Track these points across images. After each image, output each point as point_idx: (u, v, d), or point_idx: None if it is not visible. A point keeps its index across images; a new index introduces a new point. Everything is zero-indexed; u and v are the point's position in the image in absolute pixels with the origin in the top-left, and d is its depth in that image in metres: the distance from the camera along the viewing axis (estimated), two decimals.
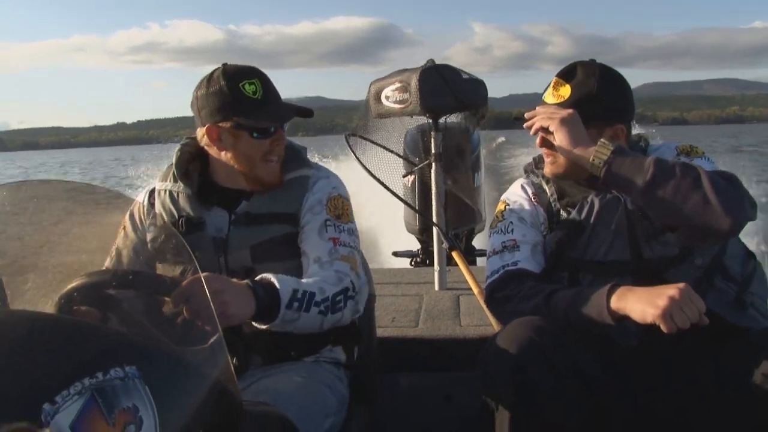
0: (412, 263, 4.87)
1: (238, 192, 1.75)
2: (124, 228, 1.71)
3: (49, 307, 1.12)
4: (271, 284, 1.45)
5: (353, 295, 1.64)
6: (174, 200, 1.76)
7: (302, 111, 1.77)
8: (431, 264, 4.28)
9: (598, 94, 1.68)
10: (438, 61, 3.16)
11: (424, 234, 4.52)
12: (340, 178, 1.86)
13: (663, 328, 1.37)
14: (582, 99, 1.68)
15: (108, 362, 0.81)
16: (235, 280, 1.41)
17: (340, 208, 1.78)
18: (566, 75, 1.73)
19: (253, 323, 1.44)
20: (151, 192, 1.81)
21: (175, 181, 1.77)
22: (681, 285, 1.41)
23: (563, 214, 1.74)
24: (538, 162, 1.89)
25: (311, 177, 1.80)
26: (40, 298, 1.12)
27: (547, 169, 1.79)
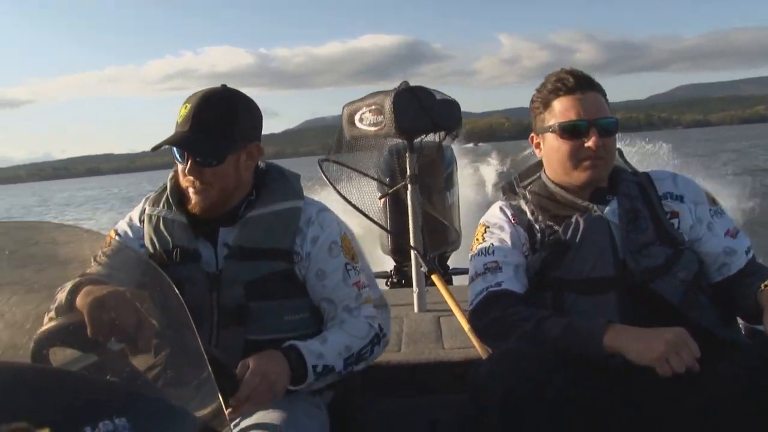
0: (387, 284, 4.84)
1: (210, 221, 1.69)
2: (111, 239, 1.59)
3: (22, 352, 1.07)
4: (297, 350, 1.54)
5: (381, 337, 1.73)
6: (167, 228, 1.69)
7: (189, 145, 1.61)
8: (406, 284, 4.26)
9: None
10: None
11: (398, 255, 4.50)
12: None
13: (659, 371, 1.39)
14: None
15: (97, 415, 0.77)
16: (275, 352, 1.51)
17: (351, 248, 1.77)
18: None
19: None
20: (141, 213, 1.75)
21: (170, 208, 1.71)
22: (677, 329, 1.44)
23: (546, 232, 1.74)
24: (519, 183, 1.89)
25: (303, 210, 1.74)
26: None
27: (594, 175, 1.72)
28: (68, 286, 1.27)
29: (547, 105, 1.76)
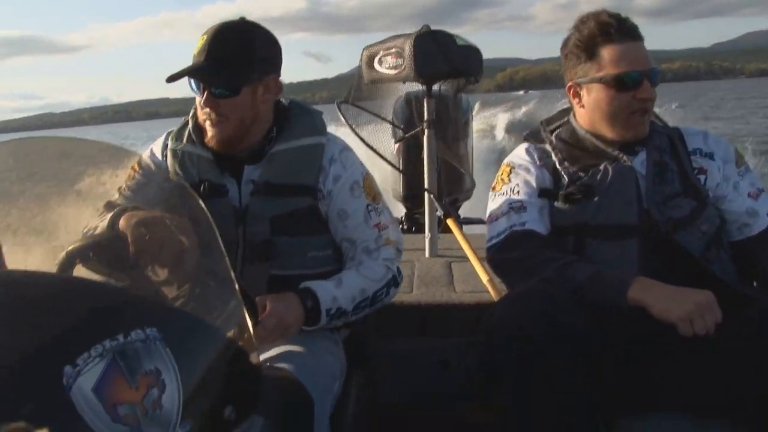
0: None
1: (232, 157, 1.68)
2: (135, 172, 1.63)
3: (50, 264, 1.08)
4: (313, 294, 1.57)
5: (397, 281, 1.77)
6: (193, 163, 1.69)
7: (201, 72, 1.61)
8: (417, 231, 4.28)
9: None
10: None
11: (410, 201, 4.51)
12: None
13: (681, 330, 1.41)
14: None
15: (129, 324, 0.79)
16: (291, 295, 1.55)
17: (374, 188, 1.78)
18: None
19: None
20: (164, 148, 1.75)
21: (193, 143, 1.70)
22: (706, 292, 1.44)
23: (573, 177, 1.73)
24: (546, 127, 1.88)
25: (326, 146, 1.73)
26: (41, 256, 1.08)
27: (640, 128, 1.71)
28: (107, 213, 1.27)
29: (591, 53, 1.69)
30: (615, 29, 1.65)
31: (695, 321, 1.40)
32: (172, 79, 1.61)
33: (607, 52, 1.66)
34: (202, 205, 1.00)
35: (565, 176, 1.74)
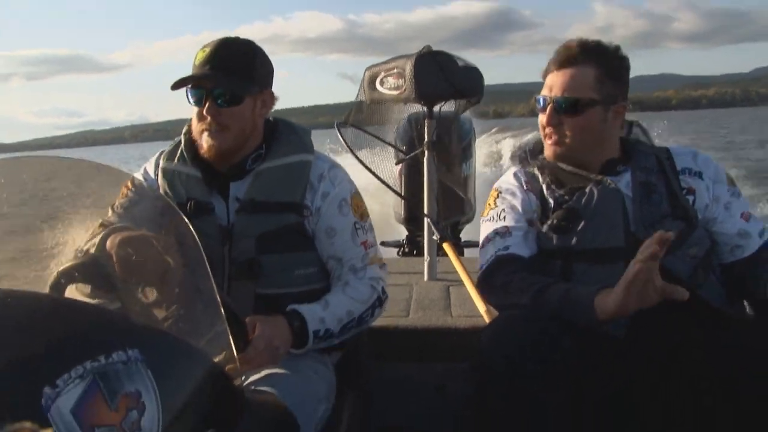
0: (399, 253, 4.85)
1: (219, 174, 1.70)
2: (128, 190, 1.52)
3: (43, 285, 1.08)
4: (301, 317, 1.58)
5: (381, 300, 1.76)
6: (182, 181, 1.70)
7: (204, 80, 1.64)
8: (418, 254, 4.27)
9: None
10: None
11: (411, 224, 4.51)
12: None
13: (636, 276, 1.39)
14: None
15: (111, 345, 0.78)
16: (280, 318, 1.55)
17: (361, 207, 1.78)
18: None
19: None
20: (156, 167, 1.76)
21: (184, 162, 1.72)
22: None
23: (559, 201, 1.73)
24: (532, 150, 1.88)
25: (314, 164, 1.74)
26: (33, 278, 1.08)
27: (549, 151, 1.77)
28: (98, 233, 1.27)
29: (544, 80, 1.78)
30: (554, 58, 1.74)
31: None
32: (177, 86, 1.63)
33: (546, 80, 1.76)
34: (189, 224, 1.00)
35: (551, 200, 1.75)
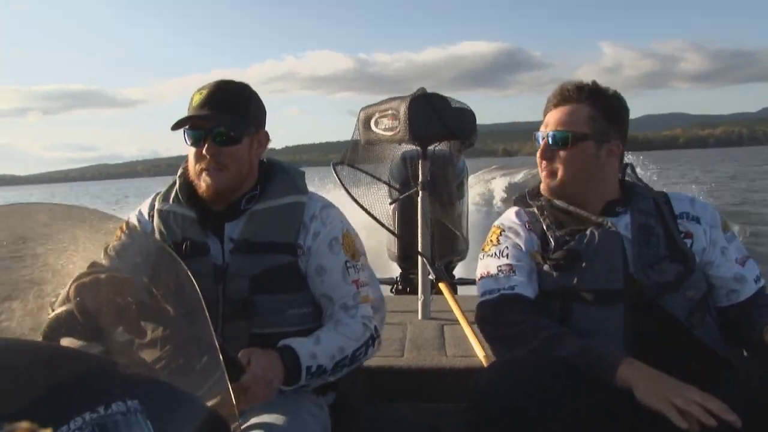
0: (393, 290, 4.83)
1: (215, 213, 1.72)
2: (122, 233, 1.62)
3: (33, 333, 1.07)
4: (293, 352, 1.56)
5: (375, 338, 1.76)
6: (177, 222, 1.72)
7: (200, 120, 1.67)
8: (411, 292, 4.25)
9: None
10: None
11: (405, 262, 4.50)
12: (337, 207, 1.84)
13: (674, 420, 1.36)
14: None
15: (110, 396, 0.78)
16: (272, 352, 1.53)
17: (353, 246, 1.79)
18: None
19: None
20: (151, 208, 1.79)
21: (179, 203, 1.74)
22: (694, 389, 1.40)
23: (560, 242, 1.75)
24: (532, 191, 1.90)
25: (306, 205, 1.77)
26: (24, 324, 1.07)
27: (543, 185, 1.81)
28: (78, 276, 1.26)
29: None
30: (552, 97, 1.81)
31: (693, 410, 1.35)
32: (177, 126, 1.66)
33: (545, 118, 1.83)
34: (189, 273, 1.00)
35: (552, 240, 1.76)
